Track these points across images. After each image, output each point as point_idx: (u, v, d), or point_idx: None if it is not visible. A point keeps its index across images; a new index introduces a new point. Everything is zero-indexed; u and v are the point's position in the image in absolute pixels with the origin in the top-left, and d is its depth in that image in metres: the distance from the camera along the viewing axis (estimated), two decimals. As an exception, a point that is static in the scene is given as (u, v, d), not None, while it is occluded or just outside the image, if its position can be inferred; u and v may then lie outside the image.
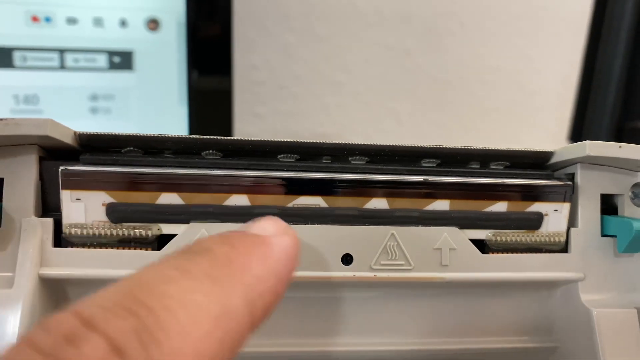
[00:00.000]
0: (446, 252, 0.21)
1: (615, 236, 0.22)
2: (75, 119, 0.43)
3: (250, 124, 0.64)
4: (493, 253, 0.21)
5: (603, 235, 0.22)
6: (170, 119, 0.44)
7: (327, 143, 0.20)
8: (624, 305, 0.21)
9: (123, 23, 0.43)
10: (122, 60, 0.43)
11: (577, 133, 0.56)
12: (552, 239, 0.21)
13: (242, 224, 0.16)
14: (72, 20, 0.42)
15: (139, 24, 0.43)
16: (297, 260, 0.15)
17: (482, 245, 0.21)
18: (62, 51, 0.42)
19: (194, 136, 0.20)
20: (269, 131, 0.65)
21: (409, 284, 0.21)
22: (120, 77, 0.43)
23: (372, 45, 0.67)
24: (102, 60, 0.43)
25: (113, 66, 0.43)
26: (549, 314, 0.23)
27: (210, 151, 0.20)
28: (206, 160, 0.20)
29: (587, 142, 0.20)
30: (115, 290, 0.11)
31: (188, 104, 0.44)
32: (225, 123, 0.46)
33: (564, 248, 0.22)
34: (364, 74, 0.67)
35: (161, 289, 0.11)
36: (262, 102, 0.64)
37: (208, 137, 0.20)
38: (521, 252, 0.21)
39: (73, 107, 0.43)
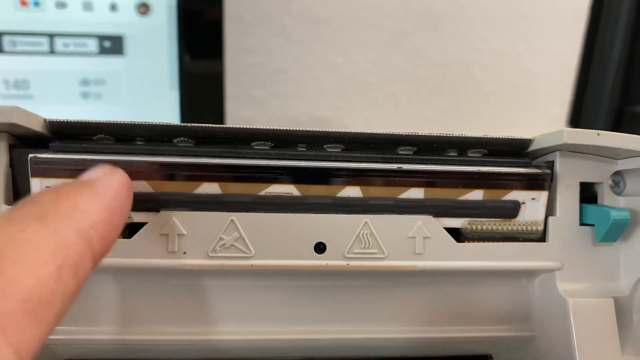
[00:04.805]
0: (420, 240, 0.20)
1: (593, 225, 0.21)
2: (67, 104, 0.43)
3: (247, 107, 0.64)
4: (469, 242, 0.21)
5: (582, 224, 0.22)
6: (162, 103, 0.44)
7: (301, 130, 0.20)
8: (602, 295, 0.21)
9: (113, 7, 0.42)
10: (112, 45, 0.43)
11: (576, 118, 0.56)
12: (529, 228, 0.21)
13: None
14: (61, 4, 0.41)
15: (129, 8, 0.43)
16: (129, 191, 0.17)
17: (457, 234, 0.21)
18: (51, 36, 0.41)
19: (165, 123, 0.20)
20: (266, 116, 0.64)
21: (383, 272, 0.21)
22: (111, 62, 0.43)
23: (370, 27, 0.66)
24: (92, 44, 0.42)
25: (103, 51, 0.43)
26: (527, 303, 0.23)
27: (182, 138, 0.20)
28: (178, 147, 0.20)
29: (565, 129, 0.20)
30: None
31: (179, 88, 0.44)
32: (217, 106, 0.45)
33: (542, 237, 0.21)
34: (362, 57, 0.67)
35: None
36: (260, 86, 0.64)
37: (179, 124, 0.20)
38: (497, 241, 0.21)
39: (64, 92, 0.43)
